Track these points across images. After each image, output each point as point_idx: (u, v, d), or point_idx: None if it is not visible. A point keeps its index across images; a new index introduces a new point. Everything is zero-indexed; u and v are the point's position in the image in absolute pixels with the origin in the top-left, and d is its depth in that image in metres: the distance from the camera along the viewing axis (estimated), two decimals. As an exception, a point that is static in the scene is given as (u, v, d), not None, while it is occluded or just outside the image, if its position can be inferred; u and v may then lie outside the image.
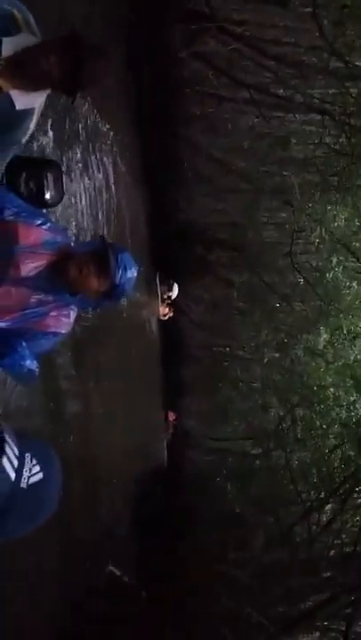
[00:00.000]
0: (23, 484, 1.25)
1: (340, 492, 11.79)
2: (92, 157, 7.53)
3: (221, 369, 18.77)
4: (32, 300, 2.30)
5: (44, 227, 2.35)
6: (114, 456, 9.06)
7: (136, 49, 9.17)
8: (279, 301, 14.98)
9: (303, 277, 13.67)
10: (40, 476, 1.28)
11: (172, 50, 10.57)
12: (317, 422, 13.83)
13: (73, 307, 2.41)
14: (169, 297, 15.71)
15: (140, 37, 9.14)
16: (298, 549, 10.43)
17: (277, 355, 15.94)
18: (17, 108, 2.21)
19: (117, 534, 8.75)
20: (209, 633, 6.78)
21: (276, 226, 14.93)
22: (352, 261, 12.64)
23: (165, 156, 12.56)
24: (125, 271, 2.32)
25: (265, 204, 14.02)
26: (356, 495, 12.12)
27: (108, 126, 8.16)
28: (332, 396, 13.47)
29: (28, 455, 1.28)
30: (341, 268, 12.46)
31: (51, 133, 5.34)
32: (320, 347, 14.15)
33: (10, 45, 2.16)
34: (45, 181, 3.08)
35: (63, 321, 2.38)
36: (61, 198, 3.37)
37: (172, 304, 16.52)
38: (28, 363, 2.29)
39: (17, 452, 1.26)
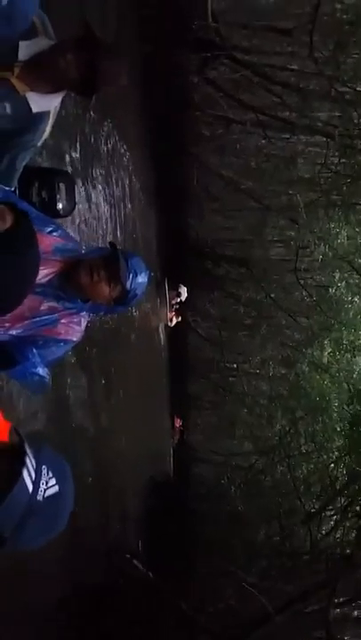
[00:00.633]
0: (40, 497, 1.26)
1: (342, 501, 12.02)
2: (112, 173, 8.07)
3: (228, 383, 19.02)
4: (43, 308, 2.27)
5: (55, 234, 2.33)
6: (120, 464, 9.24)
7: (152, 75, 9.71)
8: (285, 317, 15.23)
9: (308, 293, 14.08)
10: (56, 489, 1.29)
11: (184, 75, 11.16)
12: (321, 435, 14.06)
13: (84, 314, 2.39)
14: (177, 303, 16.01)
15: (156, 65, 9.68)
16: (300, 554, 10.69)
17: (283, 369, 16.21)
18: (33, 110, 2.22)
19: (126, 528, 8.98)
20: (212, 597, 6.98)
21: (282, 243, 15.24)
22: (356, 278, 13.04)
23: (177, 174, 13.03)
24: (136, 276, 2.31)
25: (272, 222, 14.42)
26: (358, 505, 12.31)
27: (125, 146, 8.72)
28: (335, 409, 13.72)
29: (44, 468, 1.29)
30: (344, 283, 12.87)
31: (79, 150, 5.91)
32: (324, 361, 14.46)
33: (27, 49, 2.17)
34: (57, 191, 3.17)
35: (74, 328, 2.36)
36: (73, 208, 3.41)
37: (180, 309, 16.72)
38: (39, 370, 2.27)
39: (35, 465, 1.27)
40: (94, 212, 7.27)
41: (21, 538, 1.27)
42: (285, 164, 12.34)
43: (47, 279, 2.24)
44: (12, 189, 2.39)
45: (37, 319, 2.26)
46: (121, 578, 7.25)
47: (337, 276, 12.77)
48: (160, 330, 15.96)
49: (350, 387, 13.23)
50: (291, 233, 14.35)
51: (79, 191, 6.54)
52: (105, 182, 7.68)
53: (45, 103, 2.24)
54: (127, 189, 9.38)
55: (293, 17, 10.07)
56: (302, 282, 13.88)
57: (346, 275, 13.12)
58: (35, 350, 2.26)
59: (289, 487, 13.08)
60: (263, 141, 12.11)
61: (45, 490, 1.27)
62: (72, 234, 6.11)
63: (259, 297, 15.84)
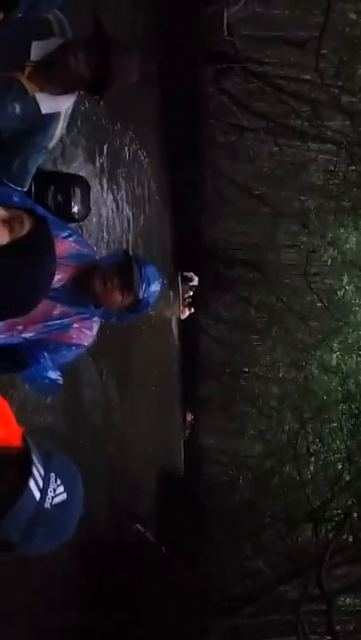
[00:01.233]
0: (47, 505, 1.26)
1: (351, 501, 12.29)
2: (133, 177, 8.61)
3: (239, 386, 19.29)
4: (55, 312, 2.27)
5: (70, 239, 2.32)
6: (131, 456, 9.44)
7: (169, 86, 10.20)
8: (295, 320, 15.51)
9: (317, 296, 14.43)
10: (64, 496, 1.29)
11: (200, 86, 11.61)
12: (330, 437, 14.32)
13: (96, 319, 2.39)
14: (190, 296, 16.17)
15: (173, 76, 10.14)
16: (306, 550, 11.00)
17: (292, 371, 16.50)
18: (43, 111, 2.20)
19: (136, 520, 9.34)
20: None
21: (293, 247, 15.49)
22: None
23: (192, 179, 13.40)
24: (149, 285, 2.31)
25: (283, 227, 14.71)
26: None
27: (145, 153, 9.22)
28: (343, 410, 14.00)
29: (52, 475, 1.28)
30: (352, 286, 13.24)
31: (105, 157, 6.45)
32: (333, 363, 14.76)
33: (39, 49, 2.15)
34: (73, 196, 3.11)
35: (86, 333, 2.37)
36: (88, 213, 3.36)
37: (192, 302, 16.66)
38: (50, 374, 2.28)
39: (42, 472, 1.27)
40: (116, 211, 7.75)
41: (30, 544, 1.27)
42: (296, 171, 12.73)
43: (61, 284, 2.24)
44: (25, 190, 2.38)
45: (50, 323, 2.26)
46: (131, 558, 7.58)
47: (345, 279, 13.13)
48: (173, 323, 16.14)
49: (357, 387, 13.53)
50: (302, 238, 14.64)
51: (104, 193, 7.07)
52: (127, 185, 8.20)
53: (55, 105, 2.21)
54: (146, 193, 9.85)
55: (306, 28, 10.54)
56: (312, 285, 14.18)
57: (355, 279, 13.49)
58: (46, 354, 2.27)
59: (297, 484, 13.37)
60: (275, 149, 12.47)
61: (53, 498, 1.27)
62: (95, 229, 6.68)
63: (270, 300, 16.20)
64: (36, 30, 2.18)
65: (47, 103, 2.19)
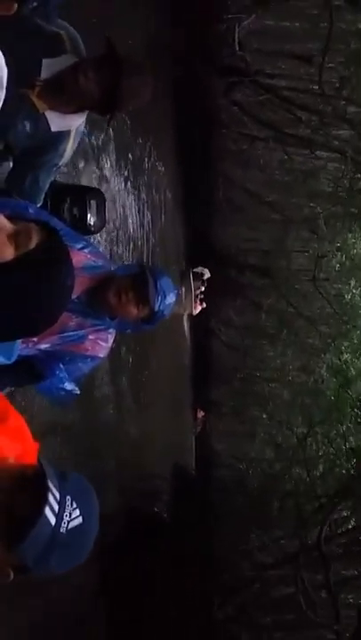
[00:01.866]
0: (63, 529, 1.23)
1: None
2: (150, 186, 9.14)
3: (250, 390, 19.57)
4: (71, 323, 2.26)
5: (85, 250, 2.32)
6: (143, 453, 9.71)
7: (182, 98, 10.67)
8: (305, 324, 15.79)
9: (326, 300, 14.77)
10: (79, 520, 1.26)
11: (212, 98, 12.05)
12: (338, 439, 14.58)
13: (111, 330, 2.38)
14: (202, 292, 16.37)
15: (186, 89, 10.62)
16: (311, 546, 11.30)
17: (302, 375, 16.75)
18: (52, 129, 2.19)
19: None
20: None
21: (303, 253, 15.78)
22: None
23: (204, 187, 13.80)
24: (165, 298, 2.31)
25: (293, 233, 15.05)
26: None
27: (161, 163, 9.75)
28: (351, 413, 14.28)
29: (68, 498, 1.25)
30: (359, 290, 13.61)
31: (130, 168, 7.02)
32: (342, 366, 15.05)
33: (50, 67, 2.13)
34: (88, 208, 3.18)
35: (101, 345, 2.36)
36: (103, 225, 3.42)
37: (203, 297, 16.56)
38: (66, 386, 2.28)
39: (58, 497, 1.24)
40: (134, 217, 8.28)
41: (44, 568, 1.26)
42: (305, 179, 13.13)
43: (76, 295, 2.21)
44: (39, 205, 2.38)
45: (65, 335, 2.25)
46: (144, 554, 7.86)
47: (353, 283, 13.49)
48: (184, 319, 16.41)
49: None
50: (312, 244, 14.87)
51: (125, 201, 7.58)
52: (146, 193, 8.77)
53: (65, 123, 2.20)
54: (163, 200, 10.36)
55: (314, 41, 10.98)
56: (321, 290, 14.49)
57: (362, 283, 13.84)
58: (62, 366, 2.27)
59: (306, 486, 13.63)
60: (285, 157, 12.84)
61: (69, 522, 1.24)
62: (114, 233, 7.18)
63: (280, 305, 16.52)
64: (48, 46, 2.16)
65: (57, 121, 2.18)
